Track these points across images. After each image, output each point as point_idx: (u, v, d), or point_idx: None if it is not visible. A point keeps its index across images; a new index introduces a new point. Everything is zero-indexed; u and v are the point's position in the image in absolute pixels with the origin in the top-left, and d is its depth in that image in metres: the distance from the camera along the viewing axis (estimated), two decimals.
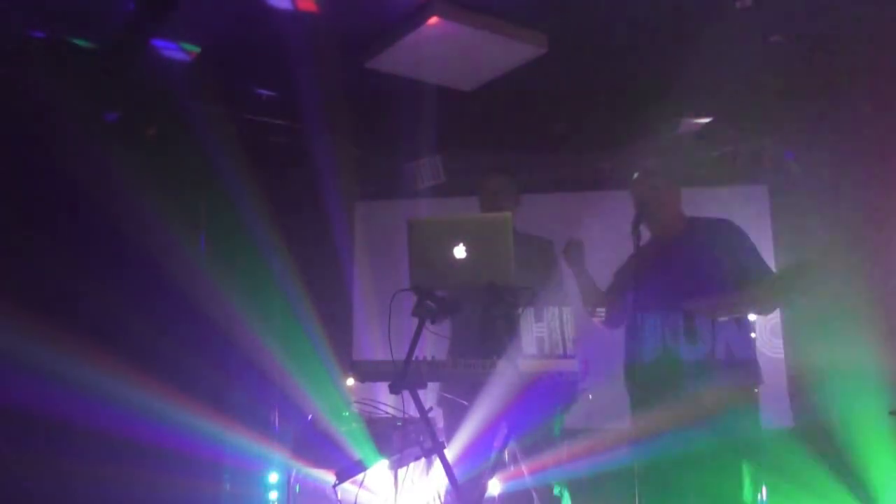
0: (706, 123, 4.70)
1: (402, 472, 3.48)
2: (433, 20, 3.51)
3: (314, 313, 4.85)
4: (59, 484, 3.73)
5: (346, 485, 3.17)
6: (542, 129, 4.86)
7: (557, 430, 3.34)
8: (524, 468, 3.34)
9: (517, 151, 4.75)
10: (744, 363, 3.02)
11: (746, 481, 2.93)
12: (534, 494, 3.26)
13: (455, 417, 3.20)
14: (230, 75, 4.43)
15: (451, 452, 3.08)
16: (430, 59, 3.93)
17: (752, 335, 3.18)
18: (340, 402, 4.27)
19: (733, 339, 2.99)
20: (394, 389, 2.51)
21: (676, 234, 3.15)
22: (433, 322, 2.63)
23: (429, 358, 2.63)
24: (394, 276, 2.92)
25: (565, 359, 2.58)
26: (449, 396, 3.21)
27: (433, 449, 2.71)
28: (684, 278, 3.03)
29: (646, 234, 3.12)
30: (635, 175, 3.31)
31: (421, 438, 3.55)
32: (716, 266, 3.03)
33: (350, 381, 4.36)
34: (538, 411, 3.21)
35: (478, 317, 3.06)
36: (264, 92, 4.70)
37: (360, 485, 3.20)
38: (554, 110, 4.70)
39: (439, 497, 3.53)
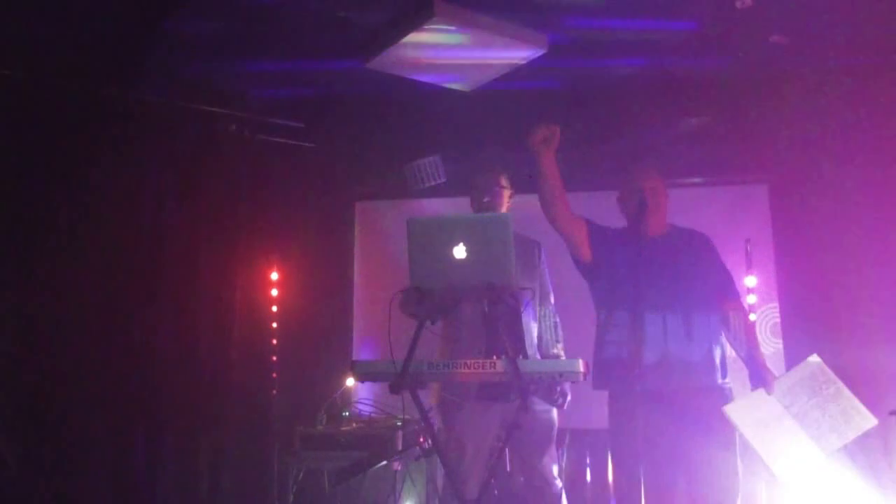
0: (706, 123, 4.69)
1: (402, 472, 3.49)
2: (433, 20, 3.51)
3: (314, 313, 4.85)
4: (59, 484, 3.73)
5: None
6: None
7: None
8: (519, 468, 3.34)
9: (517, 151, 4.74)
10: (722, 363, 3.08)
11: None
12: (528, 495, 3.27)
13: (454, 417, 3.19)
14: (230, 75, 4.44)
15: (450, 452, 3.08)
16: (430, 59, 3.94)
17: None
18: (340, 401, 4.27)
19: (722, 339, 3.06)
20: (394, 389, 2.51)
21: (664, 235, 3.14)
22: (432, 322, 2.63)
23: (429, 358, 2.63)
24: (394, 276, 2.92)
25: (563, 359, 2.57)
26: (448, 396, 3.20)
27: (433, 449, 2.71)
28: (683, 281, 3.03)
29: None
30: (643, 165, 3.28)
31: (421, 438, 3.56)
32: (703, 273, 3.08)
33: (350, 381, 4.36)
34: (539, 411, 3.21)
35: (478, 317, 3.06)
36: (264, 92, 4.70)
37: (361, 484, 3.20)
38: (554, 110, 4.69)
39: (439, 497, 3.53)
